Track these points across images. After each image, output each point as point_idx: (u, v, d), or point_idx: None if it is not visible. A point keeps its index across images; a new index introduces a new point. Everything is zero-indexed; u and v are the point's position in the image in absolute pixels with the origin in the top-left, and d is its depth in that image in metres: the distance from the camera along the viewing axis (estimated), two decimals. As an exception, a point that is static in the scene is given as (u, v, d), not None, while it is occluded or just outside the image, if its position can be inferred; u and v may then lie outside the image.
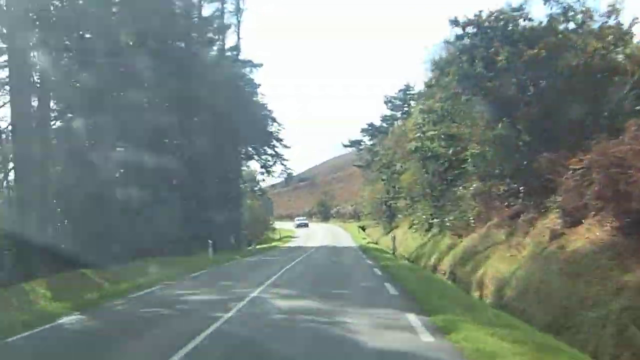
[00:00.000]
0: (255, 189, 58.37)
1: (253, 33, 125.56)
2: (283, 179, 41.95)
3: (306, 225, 70.29)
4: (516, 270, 12.05)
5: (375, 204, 52.24)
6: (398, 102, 58.30)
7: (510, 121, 16.08)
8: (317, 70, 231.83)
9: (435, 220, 27.87)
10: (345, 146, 61.10)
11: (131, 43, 25.61)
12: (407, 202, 37.54)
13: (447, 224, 23.77)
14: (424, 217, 29.98)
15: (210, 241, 23.96)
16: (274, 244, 42.99)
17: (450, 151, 26.11)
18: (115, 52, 21.94)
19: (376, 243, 41.55)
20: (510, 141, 15.93)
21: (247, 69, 37.33)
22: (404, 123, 39.67)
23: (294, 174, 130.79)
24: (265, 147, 39.88)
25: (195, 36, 28.81)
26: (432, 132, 25.95)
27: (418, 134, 27.03)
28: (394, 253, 25.29)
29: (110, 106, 22.10)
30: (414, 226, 34.29)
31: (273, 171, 41.29)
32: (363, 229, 62.51)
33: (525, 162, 15.76)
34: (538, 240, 12.50)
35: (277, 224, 73.72)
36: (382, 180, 44.98)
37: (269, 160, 40.47)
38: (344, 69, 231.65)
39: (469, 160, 19.58)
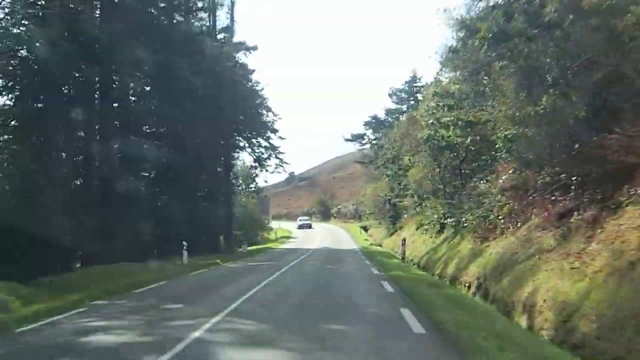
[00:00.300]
0: (251, 186, 54.87)
1: (248, 23, 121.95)
2: (279, 173, 38.13)
3: (309, 226, 65.05)
4: (589, 292, 8.40)
5: (378, 202, 48.59)
6: (404, 95, 54.70)
7: (560, 92, 12.42)
8: (315, 60, 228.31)
9: (448, 220, 24.23)
10: (347, 140, 57.52)
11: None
12: (414, 200, 33.89)
13: (465, 224, 20.15)
14: (435, 216, 26.34)
15: (184, 243, 20.26)
16: (268, 245, 39.40)
17: (468, 140, 22.52)
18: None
19: (380, 245, 37.85)
20: (560, 118, 12.26)
21: (241, 53, 33.80)
22: (415, 109, 35.90)
23: (295, 174, 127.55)
24: (259, 138, 36.23)
25: (177, 3, 25.15)
26: (447, 119, 22.32)
27: (431, 121, 23.35)
28: (403, 259, 21.26)
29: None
30: (423, 227, 30.66)
31: (267, 165, 37.64)
32: (365, 229, 58.93)
33: (579, 145, 12.11)
34: (616, 247, 8.84)
35: (276, 224, 70.29)
36: (387, 176, 41.34)
37: (262, 153, 36.81)
38: (344, 58, 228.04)
39: (500, 145, 15.92)
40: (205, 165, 33.06)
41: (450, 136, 22.27)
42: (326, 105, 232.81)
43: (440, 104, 22.65)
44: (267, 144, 36.27)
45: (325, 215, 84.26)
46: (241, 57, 33.85)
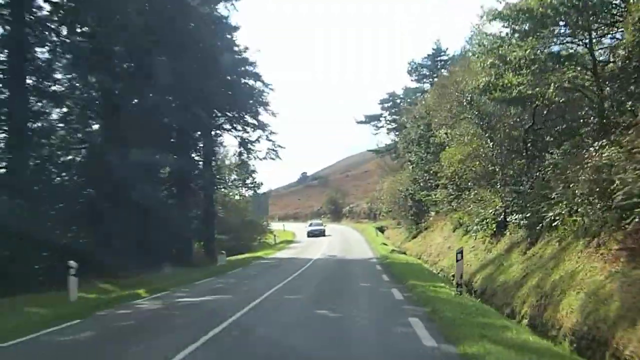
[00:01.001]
0: (248, 182, 46.83)
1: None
2: (272, 160, 29.90)
3: (322, 233, 47.07)
4: None
5: (398, 198, 40.12)
6: (425, 72, 46.18)
7: None
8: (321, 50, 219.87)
9: (514, 217, 15.84)
10: (360, 123, 48.83)
11: None
12: (449, 192, 25.54)
13: (556, 222, 11.77)
14: (491, 211, 17.93)
15: (72, 264, 11.79)
16: (261, 253, 31.16)
17: (551, 88, 14.10)
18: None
19: (404, 252, 29.31)
20: None
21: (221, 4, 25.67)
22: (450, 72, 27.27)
23: (307, 174, 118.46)
24: (244, 114, 27.98)
25: None
26: (518, 53, 13.87)
27: (489, 62, 14.86)
28: (459, 285, 11.81)
29: None
30: (465, 227, 22.30)
31: (255, 150, 29.39)
32: (381, 230, 50.45)
33: None
34: None
35: (279, 226, 62.15)
36: (410, 163, 32.91)
37: (248, 133, 28.60)
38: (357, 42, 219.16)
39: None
40: (178, 151, 25.06)
41: (523, 83, 13.84)
42: (337, 101, 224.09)
43: (506, 30, 14.24)
44: (255, 122, 28.02)
45: (337, 215, 75.87)
46: (221, 9, 25.85)
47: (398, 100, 44.38)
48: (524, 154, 17.45)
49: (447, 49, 44.93)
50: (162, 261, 20.24)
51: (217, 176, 30.36)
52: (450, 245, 23.00)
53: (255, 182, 46.77)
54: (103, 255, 16.45)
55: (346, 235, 47.08)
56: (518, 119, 17.56)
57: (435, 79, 43.36)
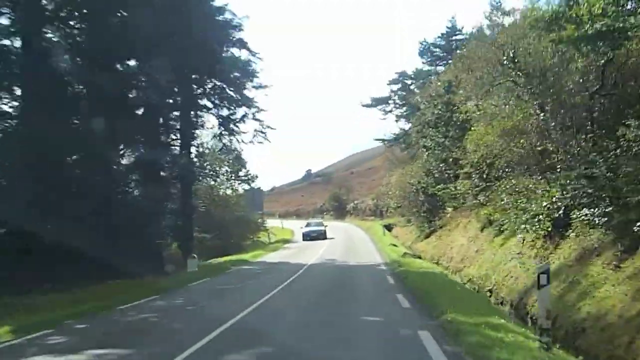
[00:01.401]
0: (241, 174, 42.27)
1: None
2: (259, 144, 25.18)
3: (321, 235, 36.41)
4: None
5: (408, 193, 35.42)
6: (439, 52, 41.38)
7: None
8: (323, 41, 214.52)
9: (586, 212, 11.12)
10: (367, 106, 43.88)
11: None
12: (474, 183, 20.91)
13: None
14: (545, 204, 13.16)
15: None
16: (246, 256, 26.50)
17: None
18: None
19: (419, 256, 24.57)
20: None
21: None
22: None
23: (312, 172, 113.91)
24: (225, 86, 23.27)
25: None
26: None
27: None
28: (543, 332, 6.30)
29: None
30: (499, 227, 17.57)
31: (238, 132, 24.69)
32: (388, 228, 45.77)
33: None
34: None
35: (277, 223, 57.54)
36: (425, 149, 28.20)
37: (231, 110, 23.88)
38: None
39: None
40: (136, 128, 20.42)
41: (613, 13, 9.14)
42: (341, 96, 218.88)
43: None
44: (238, 96, 23.28)
45: (340, 212, 71.18)
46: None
47: (408, 82, 39.56)
48: (588, 127, 12.78)
49: (462, 27, 39.98)
50: (112, 269, 15.66)
51: (198, 164, 25.64)
52: (478, 249, 18.30)
53: (249, 174, 42.46)
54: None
55: (350, 233, 42.39)
56: (582, 80, 12.84)
57: (450, 62, 38.67)
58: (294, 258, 22.46)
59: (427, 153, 27.84)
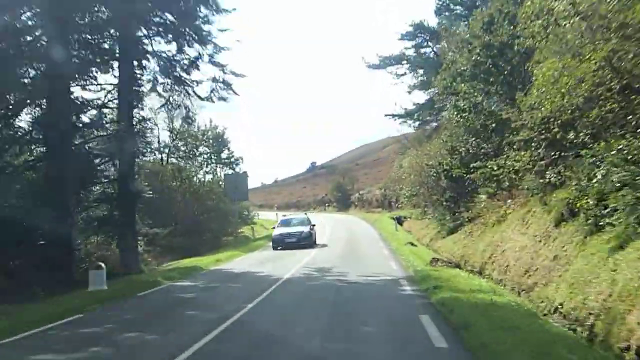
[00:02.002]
0: (224, 156, 35.45)
1: None
2: (223, 101, 17.98)
3: (304, 238, 23.59)
4: None
5: (426, 178, 28.42)
6: (459, 10, 34.08)
7: None
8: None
9: None
10: (372, 67, 36.29)
11: None
12: (539, 154, 13.84)
13: None
14: None
15: None
16: (208, 259, 19.48)
17: None
18: None
19: (457, 265, 17.18)
20: None
21: None
22: None
23: (317, 164, 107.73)
24: (180, 27, 16.17)
25: None
26: None
27: None
28: None
29: None
30: (595, 219, 10.55)
31: (192, 82, 17.49)
32: (399, 222, 38.76)
33: None
34: None
35: (271, 215, 50.64)
36: (457, 111, 21.03)
37: (182, 52, 16.73)
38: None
39: None
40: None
41: None
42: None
43: None
44: (193, 35, 16.17)
45: (344, 203, 64.14)
46: None
47: (426, 36, 32.13)
48: None
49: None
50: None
51: (142, 132, 18.50)
52: (556, 254, 11.22)
53: (231, 156, 35.63)
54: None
55: (353, 228, 35.36)
56: None
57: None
58: (270, 265, 15.67)
59: (456, 120, 20.68)
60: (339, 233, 30.77)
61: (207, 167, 34.10)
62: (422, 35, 32.66)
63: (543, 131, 13.43)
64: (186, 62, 16.55)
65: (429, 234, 29.78)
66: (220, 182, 31.86)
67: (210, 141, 33.93)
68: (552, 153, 13.08)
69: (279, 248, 22.46)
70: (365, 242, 24.20)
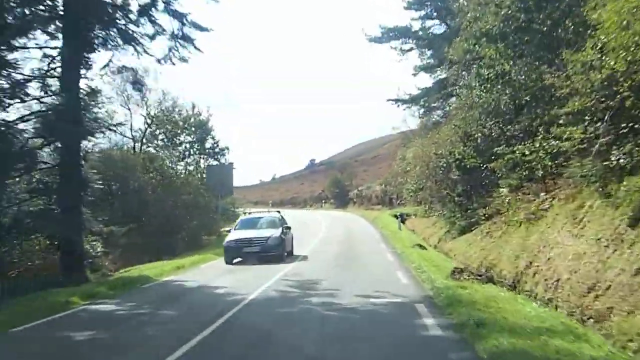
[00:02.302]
0: (208, 146, 31.94)
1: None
2: (184, 62, 14.48)
3: (272, 247, 16.59)
4: None
5: (434, 169, 25.01)
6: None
7: None
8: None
9: None
10: (374, 41, 32.39)
11: None
12: (597, 130, 10.40)
13: None
14: None
15: None
16: (164, 267, 15.80)
17: None
18: None
19: (490, 279, 13.44)
20: None
21: None
22: None
23: (316, 161, 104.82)
24: None
25: None
26: None
27: None
28: None
29: None
30: None
31: (136, 38, 13.89)
32: (401, 219, 35.29)
33: None
34: None
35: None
36: (477, 89, 17.51)
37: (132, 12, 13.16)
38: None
39: None
40: None
41: None
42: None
43: None
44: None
45: (342, 200, 60.61)
46: None
47: (435, 8, 28.32)
48: None
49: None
50: None
51: (88, 106, 14.86)
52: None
53: (216, 145, 32.07)
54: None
55: (351, 227, 31.87)
56: None
57: None
58: (240, 274, 12.27)
59: (477, 95, 17.14)
60: (334, 231, 27.38)
61: (189, 157, 30.57)
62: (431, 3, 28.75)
63: (605, 98, 9.97)
64: (134, 12, 13.00)
65: (436, 233, 26.38)
66: (202, 174, 28.40)
67: (193, 129, 30.39)
68: (620, 127, 9.63)
69: (234, 261, 16.26)
70: (364, 243, 20.70)
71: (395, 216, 36.23)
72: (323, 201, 65.57)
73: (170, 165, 26.72)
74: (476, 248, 17.98)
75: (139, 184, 21.35)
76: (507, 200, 18.16)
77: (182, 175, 23.83)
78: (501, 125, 17.47)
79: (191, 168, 29.87)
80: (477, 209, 20.85)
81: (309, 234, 26.11)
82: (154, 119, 28.86)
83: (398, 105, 32.47)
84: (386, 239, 22.42)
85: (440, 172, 24.05)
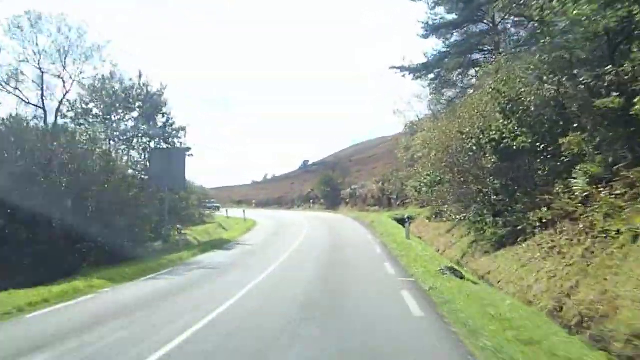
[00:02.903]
0: (159, 127, 24.78)
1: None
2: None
3: None
4: None
5: (457, 155, 18.04)
6: None
7: None
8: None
9: None
10: None
11: None
12: None
13: None
14: None
15: None
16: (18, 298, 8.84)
17: None
18: None
19: None
20: None
21: None
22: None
23: (309, 162, 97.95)
24: None
25: None
26: None
27: None
28: None
29: None
30: None
31: None
32: (401, 222, 28.39)
33: None
34: None
35: (239, 213, 40.05)
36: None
37: None
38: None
39: None
40: None
41: None
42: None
43: None
44: None
45: (333, 200, 53.50)
46: None
47: None
48: None
49: None
50: None
51: None
52: None
53: (170, 125, 24.88)
54: None
55: (343, 234, 24.72)
56: None
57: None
58: (108, 333, 5.31)
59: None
60: (317, 241, 20.40)
61: (135, 140, 23.43)
62: None
63: None
64: None
65: (454, 244, 19.47)
66: (140, 161, 21.47)
67: (139, 103, 23.28)
68: None
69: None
70: (358, 266, 13.21)
71: (399, 220, 29.21)
72: (312, 201, 58.48)
73: (100, 147, 19.59)
74: (540, 274, 11.09)
75: (26, 168, 14.25)
76: (585, 198, 11.38)
77: (94, 159, 16.58)
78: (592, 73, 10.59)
79: (135, 154, 22.78)
80: (526, 211, 14.03)
81: (276, 247, 19.08)
82: (85, 88, 21.87)
83: (404, 75, 25.44)
84: (392, 255, 15.32)
85: (466, 159, 17.11)
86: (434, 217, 26.09)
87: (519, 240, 14.10)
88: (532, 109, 13.87)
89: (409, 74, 24.67)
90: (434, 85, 25.37)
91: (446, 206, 21.19)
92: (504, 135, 15.03)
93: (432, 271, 10.97)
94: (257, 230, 28.67)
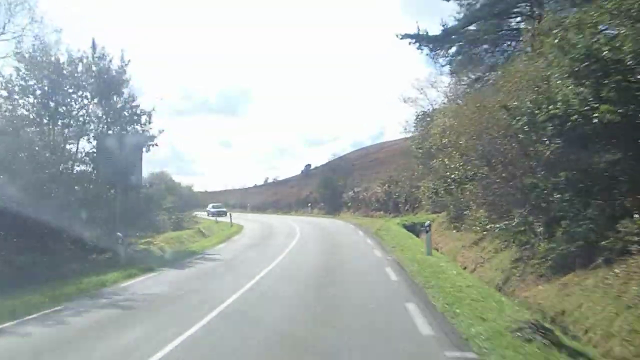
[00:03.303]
0: (118, 107, 20.14)
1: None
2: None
3: None
4: None
5: (496, 145, 13.23)
6: None
7: None
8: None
9: None
10: None
11: None
12: None
13: None
14: None
15: None
16: None
17: None
18: None
19: None
20: None
21: None
22: None
23: (311, 167, 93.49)
24: None
25: None
26: None
27: None
28: None
29: None
30: None
31: None
32: (414, 231, 23.56)
33: None
34: None
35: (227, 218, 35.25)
36: None
37: None
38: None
39: None
40: None
41: None
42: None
43: None
44: None
45: (333, 204, 48.65)
46: None
47: None
48: None
49: None
50: None
51: None
52: None
53: (131, 108, 20.25)
54: None
55: (340, 249, 19.71)
56: None
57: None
58: None
59: None
60: (305, 259, 15.68)
61: (88, 126, 18.79)
62: None
63: None
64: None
65: (488, 261, 14.67)
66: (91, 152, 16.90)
67: (92, 80, 18.68)
68: None
69: None
70: (364, 308, 7.90)
71: (409, 228, 24.41)
72: (310, 205, 53.66)
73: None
74: None
75: None
76: None
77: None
78: None
79: (87, 145, 18.19)
80: (606, 218, 9.45)
81: (243, 269, 14.29)
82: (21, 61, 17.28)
83: (421, 50, 20.31)
84: (420, 292, 9.55)
85: (513, 145, 12.40)
86: (453, 224, 21.40)
87: (588, 267, 9.49)
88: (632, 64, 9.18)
89: (425, 46, 19.59)
90: (454, 64, 20.47)
91: (472, 210, 16.50)
92: (575, 108, 10.35)
93: (500, 328, 6.09)
94: (237, 239, 23.95)
